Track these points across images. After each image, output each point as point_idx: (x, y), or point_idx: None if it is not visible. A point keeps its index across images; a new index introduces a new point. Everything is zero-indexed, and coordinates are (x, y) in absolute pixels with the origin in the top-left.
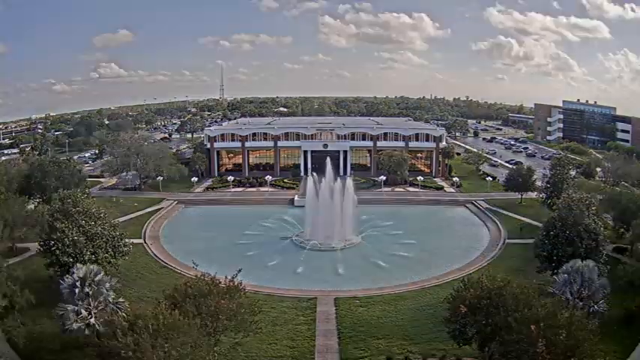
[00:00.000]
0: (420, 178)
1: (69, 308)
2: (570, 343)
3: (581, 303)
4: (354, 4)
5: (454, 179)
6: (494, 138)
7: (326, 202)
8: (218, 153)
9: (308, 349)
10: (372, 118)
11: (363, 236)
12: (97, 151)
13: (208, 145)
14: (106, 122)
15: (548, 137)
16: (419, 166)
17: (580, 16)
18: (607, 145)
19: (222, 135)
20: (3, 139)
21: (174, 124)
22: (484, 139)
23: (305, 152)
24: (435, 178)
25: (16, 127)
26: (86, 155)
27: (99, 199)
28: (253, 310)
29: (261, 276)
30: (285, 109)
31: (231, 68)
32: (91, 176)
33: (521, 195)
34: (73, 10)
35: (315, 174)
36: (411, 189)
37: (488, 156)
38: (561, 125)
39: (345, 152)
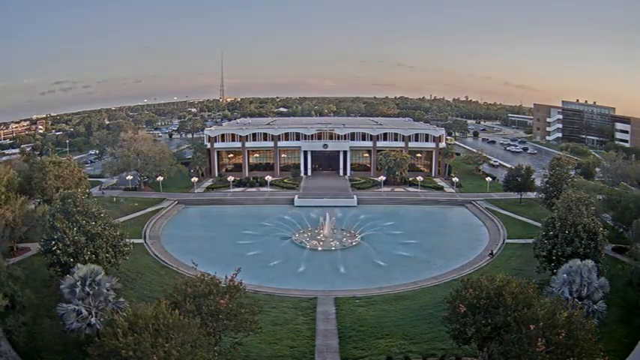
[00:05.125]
0: (419, 178)
1: (69, 308)
2: (569, 343)
3: (580, 303)
4: None
5: (454, 179)
6: (494, 142)
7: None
8: (218, 153)
9: (308, 348)
10: (372, 119)
11: (362, 236)
12: (97, 152)
13: (208, 146)
14: (107, 122)
15: (548, 137)
16: (419, 166)
17: None
18: (606, 145)
19: (223, 135)
20: (4, 140)
21: (174, 124)
22: (484, 139)
23: (305, 152)
24: (434, 178)
25: (16, 127)
26: (88, 154)
27: (99, 199)
28: (253, 310)
29: (262, 276)
30: (285, 109)
31: None
32: (91, 176)
33: (521, 195)
34: None
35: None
36: (411, 189)
37: (487, 156)
38: (560, 125)
39: (345, 152)
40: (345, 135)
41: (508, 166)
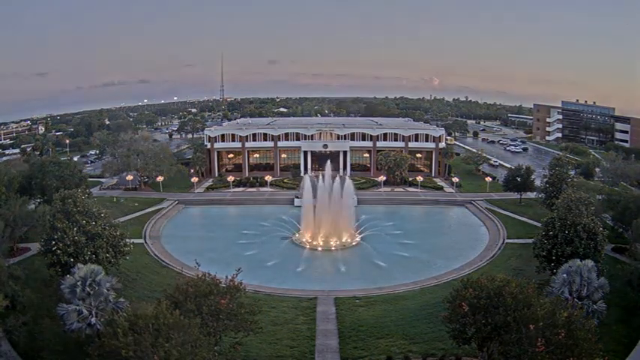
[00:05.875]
0: (419, 178)
1: (70, 308)
2: (569, 343)
3: (580, 303)
4: None
5: (454, 179)
6: (493, 142)
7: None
8: (218, 153)
9: (308, 348)
10: (372, 119)
11: (362, 236)
12: (97, 152)
13: (208, 146)
14: (107, 122)
15: (548, 137)
16: (418, 166)
17: None
18: (606, 145)
19: (223, 135)
20: (4, 140)
21: (174, 124)
22: (484, 139)
23: (305, 152)
24: (434, 178)
25: (17, 127)
26: (88, 154)
27: (99, 199)
28: (253, 310)
29: (262, 276)
30: (285, 109)
31: None
32: (91, 176)
33: (521, 195)
34: None
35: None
36: (411, 189)
37: (487, 156)
38: (560, 126)
39: (345, 152)
40: (345, 135)
41: (508, 166)
